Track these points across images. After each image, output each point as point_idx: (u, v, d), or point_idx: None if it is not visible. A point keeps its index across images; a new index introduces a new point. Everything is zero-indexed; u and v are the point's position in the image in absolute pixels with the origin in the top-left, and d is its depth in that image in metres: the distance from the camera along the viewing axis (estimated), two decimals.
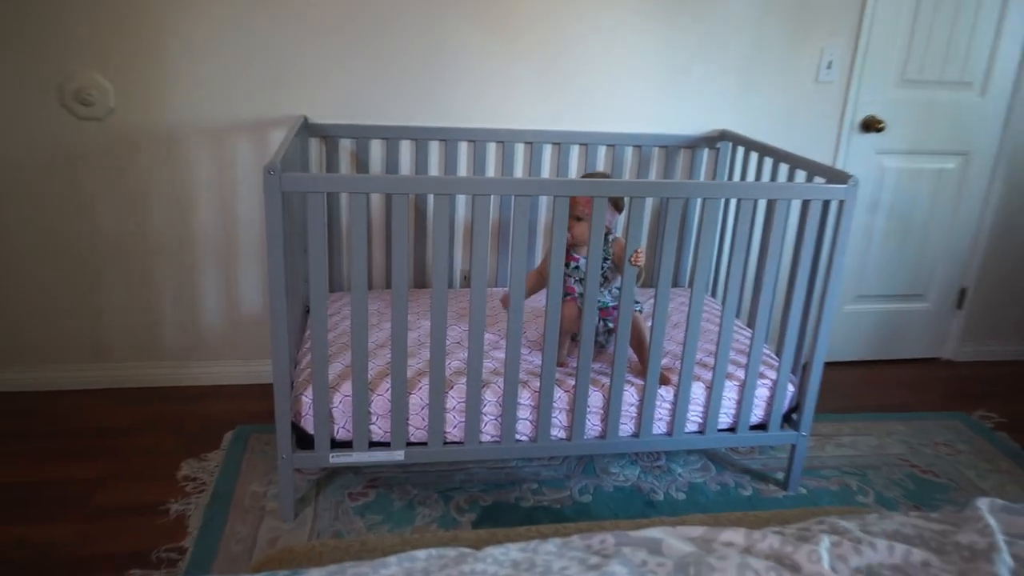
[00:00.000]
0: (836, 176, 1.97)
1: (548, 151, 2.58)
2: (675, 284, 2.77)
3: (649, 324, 2.06)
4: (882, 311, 3.06)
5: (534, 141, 2.53)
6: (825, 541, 1.11)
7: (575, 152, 2.60)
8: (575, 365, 2.06)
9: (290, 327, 1.83)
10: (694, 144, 2.64)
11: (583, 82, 2.53)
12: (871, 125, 2.75)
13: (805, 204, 1.96)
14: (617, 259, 2.06)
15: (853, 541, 1.12)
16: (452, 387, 1.96)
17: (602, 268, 2.03)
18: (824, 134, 2.75)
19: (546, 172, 2.60)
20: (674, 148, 2.64)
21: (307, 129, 2.38)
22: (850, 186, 1.93)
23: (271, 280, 1.71)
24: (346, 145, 2.47)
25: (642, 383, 2.04)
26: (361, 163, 2.48)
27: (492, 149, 2.55)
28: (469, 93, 2.48)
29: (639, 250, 1.87)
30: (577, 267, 2.08)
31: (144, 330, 2.56)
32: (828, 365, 3.02)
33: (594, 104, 2.56)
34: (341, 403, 1.91)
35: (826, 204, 1.99)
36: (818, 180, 2.07)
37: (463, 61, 2.44)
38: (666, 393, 2.06)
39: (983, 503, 1.20)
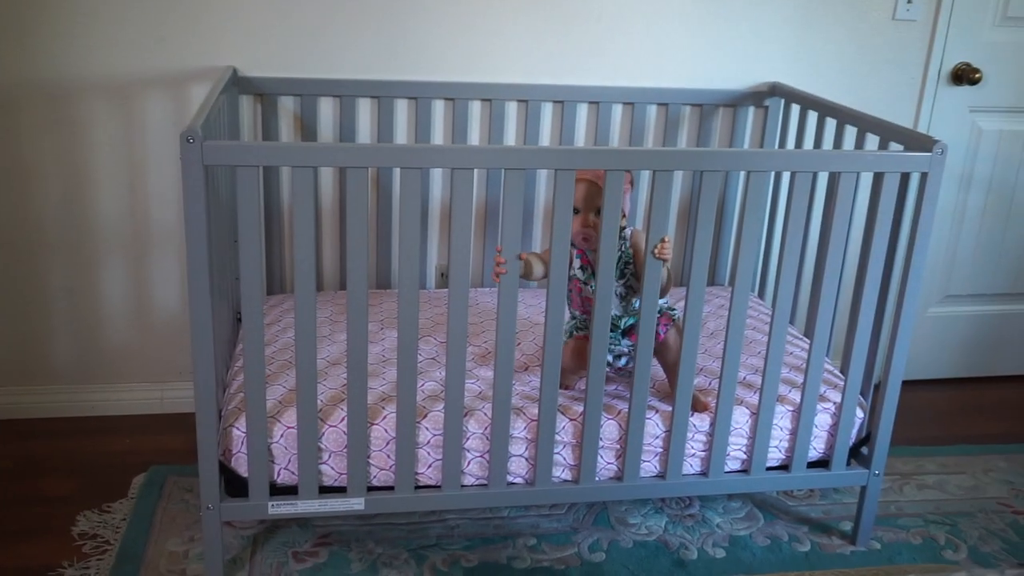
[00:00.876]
0: (918, 142, 1.99)
1: (548, 111, 2.60)
2: (712, 282, 2.80)
3: None
4: (978, 315, 3.09)
5: (529, 99, 2.55)
6: None
7: (582, 113, 2.62)
8: (583, 388, 2.08)
9: (217, 340, 1.84)
10: (736, 101, 2.67)
11: (593, 23, 2.55)
12: (964, 76, 2.78)
13: (878, 178, 1.99)
14: (638, 258, 2.07)
15: None
16: (426, 416, 1.98)
17: (622, 275, 2.05)
18: (903, 88, 2.78)
19: (545, 139, 2.63)
20: (710, 107, 2.67)
21: (237, 84, 2.40)
22: (936, 154, 1.95)
23: (191, 280, 1.72)
24: (287, 104, 2.49)
25: (670, 409, 2.06)
26: (307, 128, 2.50)
27: (476, 109, 2.57)
28: (446, 37, 2.50)
29: (665, 239, 1.89)
30: (588, 269, 2.08)
31: (27, 346, 2.58)
32: (908, 384, 3.02)
33: (607, 51, 2.59)
34: (283, 437, 1.92)
35: (905, 177, 2.01)
36: (895, 147, 2.09)
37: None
38: (700, 422, 2.08)
39: None
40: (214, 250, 1.79)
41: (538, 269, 2.02)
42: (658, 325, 2.04)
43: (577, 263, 2.06)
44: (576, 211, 1.98)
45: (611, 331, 2.04)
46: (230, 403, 1.99)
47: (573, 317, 2.15)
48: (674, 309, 2.14)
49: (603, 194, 1.85)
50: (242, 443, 1.90)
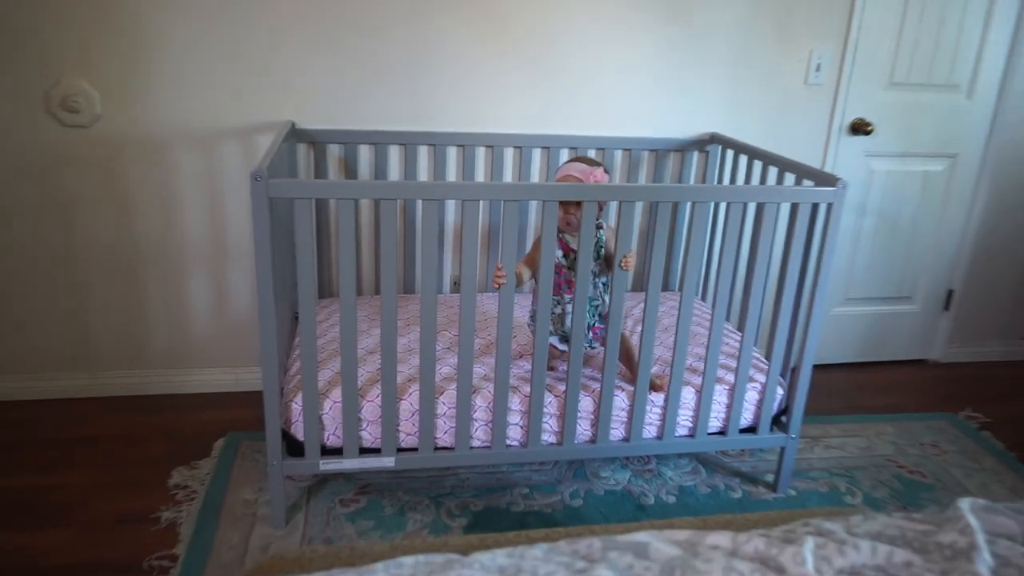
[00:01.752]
0: (824, 179, 2.00)
1: (537, 155, 2.60)
2: (665, 288, 2.80)
3: (639, 330, 2.08)
4: (870, 314, 3.09)
5: (523, 145, 2.55)
6: (810, 543, 1.14)
7: (564, 156, 2.62)
8: (565, 369, 2.08)
9: (279, 334, 1.85)
10: (684, 147, 2.67)
11: (572, 85, 2.56)
12: (860, 128, 2.79)
13: (794, 207, 1.99)
14: (608, 245, 2.04)
15: (837, 543, 1.14)
16: (442, 393, 1.98)
17: (597, 256, 2.03)
18: (813, 137, 2.78)
19: (536, 176, 2.63)
20: (664, 151, 2.67)
21: (295, 134, 2.39)
22: (839, 189, 1.96)
23: (260, 287, 1.72)
24: (334, 151, 2.49)
25: (632, 388, 2.06)
26: (349, 168, 2.50)
27: (481, 153, 2.57)
28: (457, 97, 2.50)
29: (629, 254, 1.89)
30: (569, 256, 2.04)
31: (132, 338, 2.57)
32: (817, 368, 3.06)
33: (583, 107, 2.59)
34: (331, 409, 1.92)
35: (815, 207, 2.01)
36: (807, 183, 2.10)
37: (451, 64, 2.46)
38: (656, 398, 2.08)
39: (964, 503, 1.23)
40: (277, 264, 1.79)
41: (526, 275, 2.01)
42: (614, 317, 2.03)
43: (559, 253, 2.03)
44: (561, 204, 1.94)
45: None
46: (289, 383, 1.98)
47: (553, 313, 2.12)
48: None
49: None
50: (299, 414, 1.90)
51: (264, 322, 1.76)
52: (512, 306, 1.87)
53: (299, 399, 1.90)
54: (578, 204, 1.92)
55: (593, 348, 2.11)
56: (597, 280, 2.06)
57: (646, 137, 2.64)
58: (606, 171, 1.97)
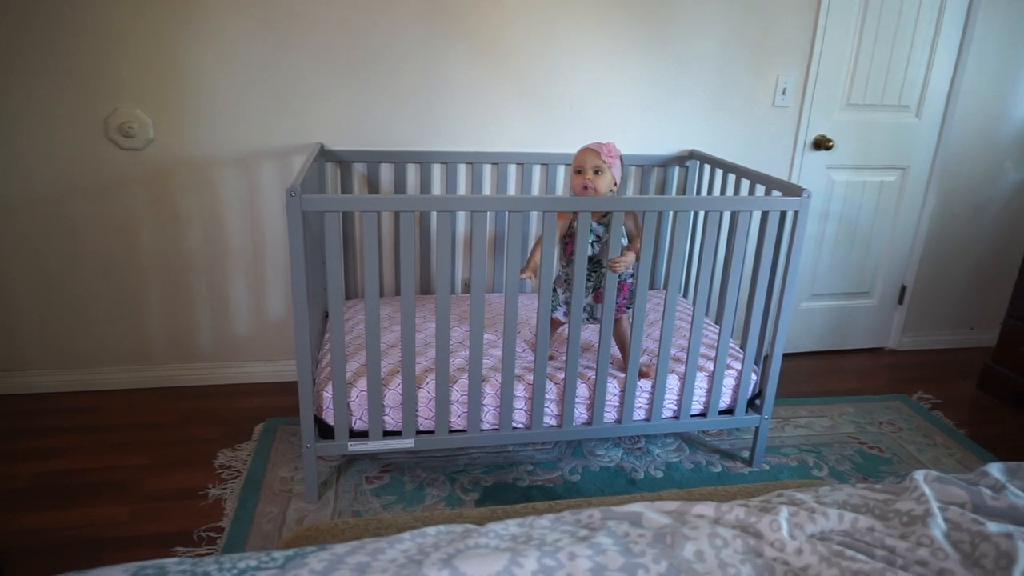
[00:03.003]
0: (791, 190, 1.99)
1: (537, 171, 2.59)
2: (652, 287, 2.79)
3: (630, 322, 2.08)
4: (833, 307, 3.08)
5: (525, 162, 2.55)
6: (784, 512, 1.13)
7: (561, 171, 2.61)
8: (564, 359, 2.07)
9: (311, 331, 1.84)
10: (666, 163, 2.66)
11: (567, 109, 2.55)
12: (821, 144, 2.78)
13: (764, 215, 1.98)
14: (630, 227, 2.00)
15: (808, 511, 1.14)
16: (456, 382, 1.98)
17: (604, 216, 1.98)
18: (780, 152, 2.77)
19: (536, 190, 2.62)
20: (648, 167, 2.66)
21: (324, 155, 2.39)
22: (803, 198, 1.95)
23: (294, 289, 1.72)
24: (358, 168, 2.49)
25: (623, 376, 2.05)
26: (372, 184, 2.50)
27: (488, 170, 2.56)
28: (467, 121, 2.49)
29: (619, 258, 1.88)
30: (598, 234, 1.99)
31: (182, 336, 2.57)
32: (787, 356, 3.05)
33: (577, 128, 2.58)
34: (357, 397, 1.92)
35: (783, 214, 2.01)
36: (775, 193, 2.09)
37: (462, 92, 2.45)
38: (645, 384, 2.08)
39: (919, 475, 1.22)
40: (309, 269, 1.79)
41: (536, 258, 1.96)
42: (620, 298, 2.02)
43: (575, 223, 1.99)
44: (579, 172, 1.94)
45: (589, 264, 1.99)
46: (321, 374, 1.98)
47: (554, 291, 2.11)
48: (633, 275, 2.04)
49: (600, 159, 1.89)
50: (329, 402, 1.90)
51: (298, 320, 1.75)
52: (516, 305, 1.86)
53: (329, 388, 1.90)
54: (597, 171, 1.92)
55: (594, 319, 2.08)
56: (599, 242, 2.01)
57: (633, 154, 2.63)
58: (620, 156, 1.98)
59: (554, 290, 2.11)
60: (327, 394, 1.91)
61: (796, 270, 2.01)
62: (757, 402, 2.19)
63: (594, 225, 1.98)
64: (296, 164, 2.42)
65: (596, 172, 1.92)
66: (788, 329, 2.25)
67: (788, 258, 2.01)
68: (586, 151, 1.95)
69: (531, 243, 2.66)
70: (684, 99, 2.63)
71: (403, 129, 2.46)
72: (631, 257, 1.91)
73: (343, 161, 2.44)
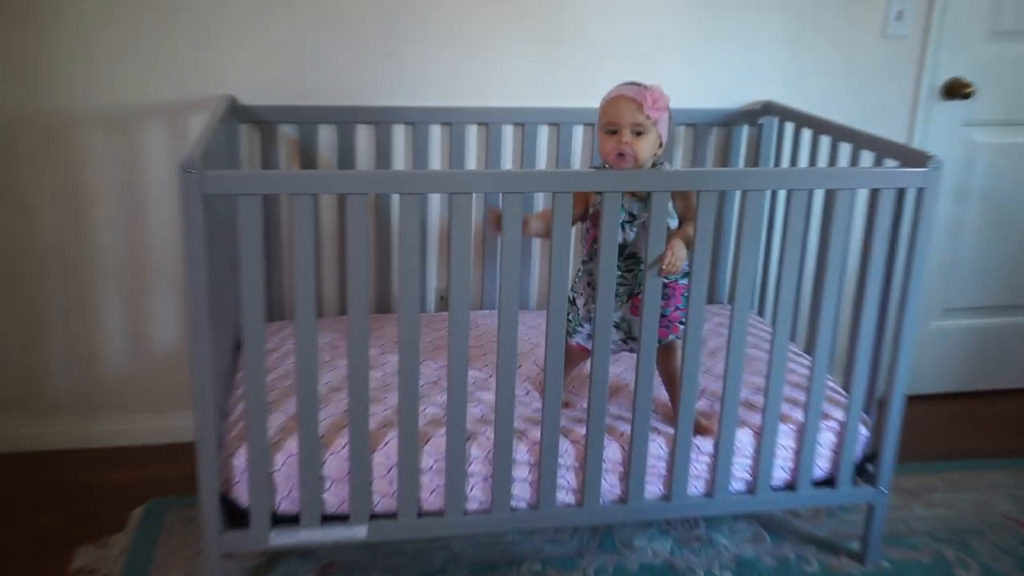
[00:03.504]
0: (912, 157, 2.00)
1: (544, 134, 2.60)
2: (711, 300, 2.79)
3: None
4: (977, 328, 3.09)
5: (526, 122, 2.56)
6: None
7: (578, 134, 2.63)
8: (584, 407, 2.07)
9: (217, 368, 1.84)
10: (729, 121, 2.67)
11: (586, 48, 2.57)
12: (956, 90, 2.79)
13: (874, 194, 1.99)
14: (680, 207, 2.01)
15: None
16: (428, 441, 1.97)
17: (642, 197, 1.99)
18: (896, 104, 2.79)
19: (543, 161, 2.63)
20: (704, 126, 2.67)
21: (235, 113, 2.40)
22: (931, 169, 1.96)
23: (191, 308, 1.72)
24: (287, 132, 2.49)
25: (672, 431, 2.05)
26: (307, 155, 2.51)
27: (472, 133, 2.57)
28: (442, 62, 2.51)
29: (669, 254, 1.88)
30: (633, 220, 2.00)
31: (25, 376, 2.56)
32: (911, 400, 3.02)
33: (600, 74, 2.58)
34: (284, 465, 1.91)
35: (900, 193, 2.01)
36: (889, 163, 2.10)
37: (436, 22, 2.47)
38: (704, 443, 2.07)
39: None
40: (213, 277, 1.79)
41: (534, 225, 1.99)
42: (670, 310, 2.03)
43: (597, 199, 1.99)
44: (612, 131, 1.94)
45: (620, 258, 1.99)
46: (231, 432, 1.98)
47: (571, 303, 2.10)
48: (683, 323, 2.05)
49: (643, 111, 1.90)
50: (243, 472, 1.89)
51: (197, 353, 1.75)
52: (515, 327, 1.86)
53: (243, 452, 1.89)
54: (638, 131, 1.93)
55: (629, 344, 2.08)
56: (632, 226, 2.03)
57: (681, 108, 2.62)
58: (667, 107, 1.97)
59: (571, 302, 2.11)
60: (239, 461, 1.90)
61: (921, 274, 2.02)
62: (869, 468, 2.18)
63: (627, 201, 1.99)
64: (195, 126, 2.43)
65: (637, 132, 1.93)
66: (912, 361, 2.24)
67: (910, 257, 2.01)
68: (621, 100, 1.95)
69: (537, 242, 2.67)
70: (754, 29, 2.65)
71: (351, 75, 2.47)
72: (682, 249, 1.91)
73: (264, 121, 2.45)
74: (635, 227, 2.01)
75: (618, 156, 1.93)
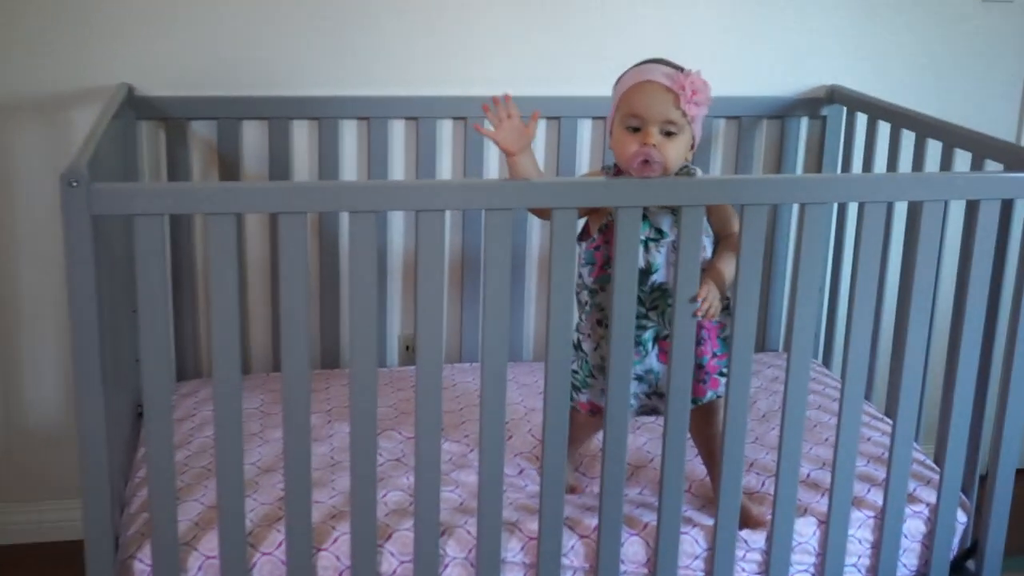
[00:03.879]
0: (1022, 158, 2.03)
1: (540, 130, 2.63)
2: (761, 348, 2.81)
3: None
4: None
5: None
6: None
7: (585, 131, 2.65)
8: (596, 491, 2.08)
9: (111, 443, 1.84)
10: (785, 111, 2.70)
11: (595, 16, 2.60)
12: None
13: (972, 206, 2.01)
14: (717, 226, 2.04)
15: None
16: (389, 537, 1.97)
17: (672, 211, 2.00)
18: (1000, 88, 2.82)
19: (540, 165, 2.64)
20: (751, 119, 2.69)
21: (134, 107, 2.41)
22: None
23: (77, 365, 1.72)
24: (200, 132, 2.51)
25: (711, 522, 2.06)
26: (227, 162, 2.52)
27: (446, 130, 2.60)
28: (406, 40, 2.53)
29: (702, 294, 1.90)
30: (660, 237, 2.01)
31: None
32: (1021, 475, 3.04)
33: (613, 52, 2.61)
34: (201, 570, 1.91)
35: (1008, 205, 2.04)
36: (992, 165, 2.12)
37: None
38: (753, 537, 2.08)
39: None
40: (106, 325, 1.79)
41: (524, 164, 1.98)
42: (707, 357, 2.03)
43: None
44: (634, 128, 1.94)
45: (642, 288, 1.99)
46: (130, 527, 1.97)
47: (576, 347, 2.11)
48: (724, 374, 2.08)
49: (679, 104, 1.89)
50: None
51: (85, 425, 1.75)
52: (504, 385, 1.87)
53: (145, 553, 1.89)
54: (669, 130, 1.92)
55: (653, 400, 2.08)
56: (657, 246, 2.03)
57: (722, 96, 2.63)
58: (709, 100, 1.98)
59: (576, 346, 2.11)
60: (141, 565, 1.90)
61: None
62: (969, 565, 2.19)
63: (652, 213, 1.99)
64: (81, 125, 2.43)
65: (667, 132, 1.95)
66: None
67: (1020, 290, 2.03)
68: (651, 88, 1.94)
69: (530, 265, 2.68)
70: None
71: (285, 57, 2.50)
72: (715, 293, 1.91)
73: (170, 117, 2.47)
74: (662, 248, 2.01)
75: (642, 163, 1.90)
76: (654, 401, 2.09)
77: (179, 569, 1.88)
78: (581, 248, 2.03)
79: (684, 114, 1.92)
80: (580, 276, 2.06)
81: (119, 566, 1.90)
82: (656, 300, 2.02)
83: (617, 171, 2.03)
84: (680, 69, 1.97)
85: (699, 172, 2.07)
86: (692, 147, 2.00)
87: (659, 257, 2.01)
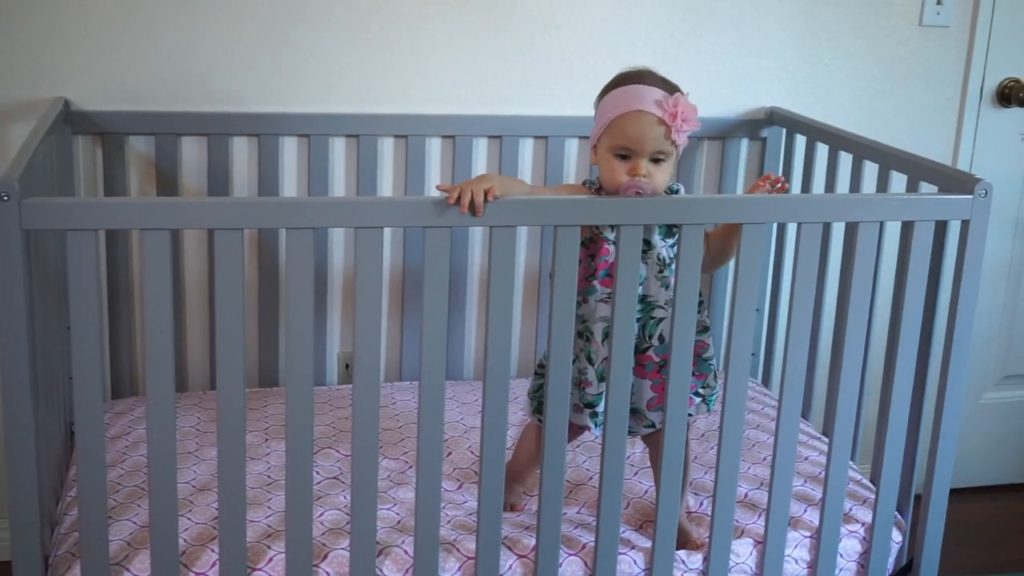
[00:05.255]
0: (955, 181, 2.05)
1: (482, 149, 2.64)
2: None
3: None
4: None
5: (457, 134, 2.59)
6: None
7: (526, 151, 2.66)
8: (536, 510, 2.08)
9: (41, 461, 1.82)
10: (725, 133, 2.73)
11: (538, 36, 2.61)
12: (1013, 94, 2.86)
13: (907, 227, 2.03)
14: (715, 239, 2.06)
15: None
16: (325, 557, 1.96)
17: (669, 233, 2.03)
18: (935, 112, 2.86)
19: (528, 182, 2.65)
20: (692, 140, 2.68)
21: (69, 121, 2.39)
22: (979, 196, 2.00)
23: (6, 382, 1.70)
24: (138, 147, 2.49)
25: (649, 544, 2.06)
26: (165, 177, 2.50)
27: (387, 148, 2.60)
28: (347, 57, 2.53)
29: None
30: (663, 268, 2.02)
31: None
32: (956, 495, 3.05)
33: (556, 72, 2.63)
34: None
35: (941, 227, 2.06)
36: (927, 188, 2.15)
37: (339, 3, 2.50)
38: (690, 558, 2.08)
39: None
40: (38, 341, 1.78)
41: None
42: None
43: (612, 236, 1.99)
44: (623, 156, 1.93)
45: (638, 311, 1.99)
46: (60, 547, 1.95)
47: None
48: (712, 387, 2.11)
49: (671, 135, 1.90)
50: None
51: (14, 442, 1.73)
52: (443, 401, 1.87)
53: (76, 574, 1.86)
54: (658, 159, 1.93)
55: (646, 422, 2.07)
56: (658, 269, 2.04)
57: None
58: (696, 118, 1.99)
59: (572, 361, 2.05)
60: None
61: (969, 332, 2.06)
62: None
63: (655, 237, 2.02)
64: (15, 139, 2.41)
65: (656, 160, 1.94)
66: (960, 444, 2.27)
67: (954, 309, 2.05)
68: (644, 118, 1.93)
69: (471, 282, 2.68)
70: (755, 18, 2.71)
71: (226, 72, 2.49)
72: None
73: (107, 132, 2.45)
74: (648, 260, 2.01)
75: (634, 192, 1.90)
76: (629, 420, 2.05)
77: None
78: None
79: (674, 143, 1.94)
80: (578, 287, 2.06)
81: None
82: (639, 312, 2.01)
83: (599, 189, 2.02)
84: (667, 84, 2.00)
85: (682, 189, 2.09)
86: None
87: (644, 269, 2.00)
